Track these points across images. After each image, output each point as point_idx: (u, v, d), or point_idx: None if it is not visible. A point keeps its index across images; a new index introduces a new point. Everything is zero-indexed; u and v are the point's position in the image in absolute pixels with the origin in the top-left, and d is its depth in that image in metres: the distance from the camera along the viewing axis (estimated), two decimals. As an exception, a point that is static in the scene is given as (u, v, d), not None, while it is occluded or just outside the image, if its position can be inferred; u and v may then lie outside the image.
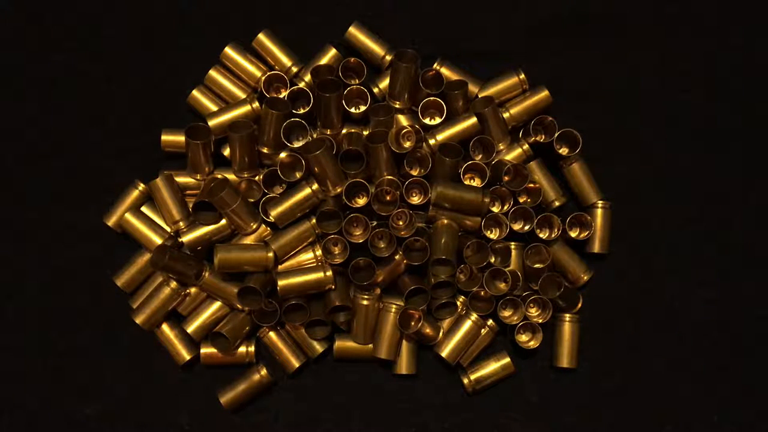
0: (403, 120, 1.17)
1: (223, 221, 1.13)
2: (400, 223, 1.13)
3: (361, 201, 1.13)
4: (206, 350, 1.15)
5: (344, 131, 1.16)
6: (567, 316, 1.15)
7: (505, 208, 1.15)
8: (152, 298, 1.14)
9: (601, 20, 1.24)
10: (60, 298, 1.19)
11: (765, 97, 1.23)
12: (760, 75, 1.23)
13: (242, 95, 1.18)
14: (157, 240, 1.15)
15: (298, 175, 1.13)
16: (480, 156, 1.17)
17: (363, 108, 1.16)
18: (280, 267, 1.13)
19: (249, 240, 1.14)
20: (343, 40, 1.21)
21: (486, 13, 1.24)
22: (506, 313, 1.15)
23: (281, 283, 1.10)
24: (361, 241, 1.11)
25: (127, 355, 1.18)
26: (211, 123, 1.16)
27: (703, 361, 1.18)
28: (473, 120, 1.14)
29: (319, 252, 1.13)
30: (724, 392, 1.18)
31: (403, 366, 1.15)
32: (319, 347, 1.15)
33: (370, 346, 1.14)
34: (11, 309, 1.19)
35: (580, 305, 1.17)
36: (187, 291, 1.15)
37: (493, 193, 1.14)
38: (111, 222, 1.17)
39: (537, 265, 1.12)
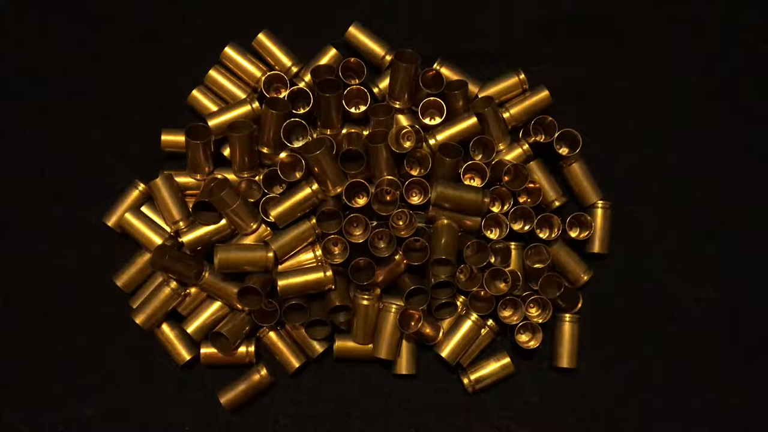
0: (403, 120, 1.17)
1: (223, 221, 1.13)
2: (400, 223, 1.13)
3: (361, 201, 1.13)
4: (206, 350, 1.15)
5: (344, 131, 1.16)
6: (567, 316, 1.15)
7: (505, 208, 1.15)
8: (152, 298, 1.14)
9: (601, 20, 1.24)
10: (60, 298, 1.19)
11: (765, 97, 1.23)
12: (760, 75, 1.23)
13: (242, 95, 1.18)
14: (157, 240, 1.15)
15: (298, 175, 1.13)
16: (480, 156, 1.17)
17: (363, 108, 1.16)
18: (280, 267, 1.13)
19: (249, 240, 1.14)
20: (343, 40, 1.21)
21: (486, 13, 1.24)
22: (506, 313, 1.15)
23: (281, 283, 1.10)
24: (361, 241, 1.11)
25: (127, 355, 1.18)
26: (211, 123, 1.16)
27: (702, 361, 1.18)
28: (473, 120, 1.14)
29: (319, 252, 1.13)
30: (724, 392, 1.18)
31: (403, 366, 1.15)
32: (319, 347, 1.15)
33: (370, 346, 1.14)
34: (11, 309, 1.19)
35: (580, 305, 1.17)
36: (187, 291, 1.15)
37: (493, 193, 1.14)
38: (111, 222, 1.17)
39: (537, 265, 1.12)
